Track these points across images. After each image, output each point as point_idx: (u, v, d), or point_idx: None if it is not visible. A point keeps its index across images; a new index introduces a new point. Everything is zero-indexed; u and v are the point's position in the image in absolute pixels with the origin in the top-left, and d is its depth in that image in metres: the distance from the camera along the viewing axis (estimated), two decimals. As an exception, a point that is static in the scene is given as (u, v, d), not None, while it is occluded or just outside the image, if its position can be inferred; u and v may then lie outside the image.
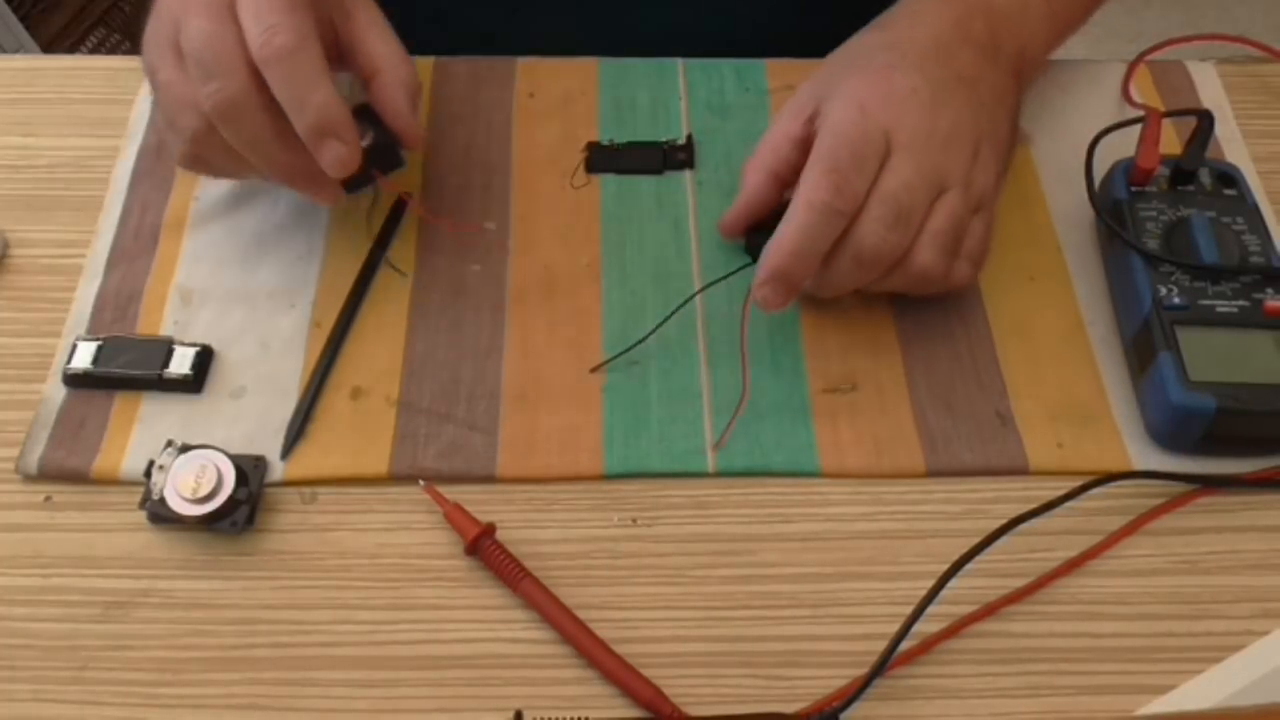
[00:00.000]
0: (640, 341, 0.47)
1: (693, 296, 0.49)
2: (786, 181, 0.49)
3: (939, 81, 0.46)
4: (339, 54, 0.47)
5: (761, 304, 0.45)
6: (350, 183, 0.46)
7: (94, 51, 1.38)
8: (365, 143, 0.45)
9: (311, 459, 0.45)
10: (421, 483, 0.44)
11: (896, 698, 0.40)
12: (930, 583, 0.41)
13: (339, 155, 0.43)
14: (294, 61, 0.42)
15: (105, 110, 0.56)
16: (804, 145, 0.47)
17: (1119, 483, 0.44)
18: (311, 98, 0.42)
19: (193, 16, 0.42)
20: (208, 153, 0.45)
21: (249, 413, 0.46)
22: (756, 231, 0.49)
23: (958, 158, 0.45)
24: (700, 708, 0.40)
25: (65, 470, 0.44)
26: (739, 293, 0.48)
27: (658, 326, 0.48)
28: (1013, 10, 0.51)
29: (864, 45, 0.50)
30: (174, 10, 0.44)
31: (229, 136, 0.43)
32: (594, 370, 0.47)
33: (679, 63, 0.58)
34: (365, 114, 0.47)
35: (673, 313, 0.48)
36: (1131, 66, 0.58)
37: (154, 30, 0.45)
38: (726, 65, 0.58)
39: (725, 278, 0.48)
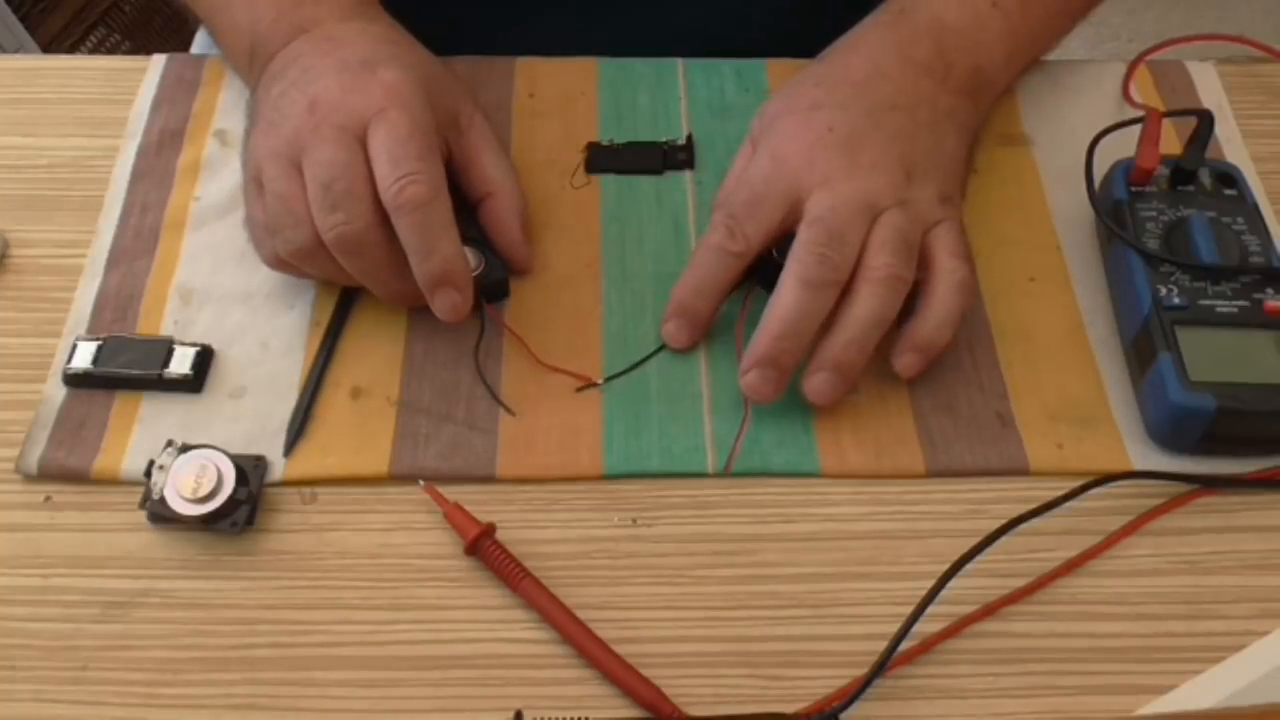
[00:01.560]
0: (638, 365, 0.47)
1: None
2: None
3: (863, 113, 0.47)
4: (451, 168, 0.49)
5: (669, 341, 0.47)
6: None
7: (94, 51, 1.37)
8: (476, 272, 0.47)
9: (311, 459, 0.45)
10: (421, 483, 0.44)
11: (896, 698, 0.40)
12: (930, 583, 0.41)
13: (454, 303, 0.45)
14: (426, 212, 0.43)
15: (105, 110, 0.56)
16: None
17: (1119, 483, 0.44)
18: (437, 250, 0.44)
19: (323, 143, 0.43)
20: (304, 264, 0.46)
21: (249, 412, 0.46)
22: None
23: (884, 182, 0.45)
24: (700, 708, 0.40)
25: (65, 470, 0.44)
26: (737, 293, 0.48)
27: (657, 350, 0.48)
28: (966, 28, 0.51)
29: (802, 78, 0.50)
30: (298, 129, 0.44)
31: (344, 264, 0.44)
32: (580, 390, 0.47)
33: (679, 63, 0.58)
34: (473, 243, 0.48)
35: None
36: (1131, 66, 0.58)
37: (266, 141, 0.45)
38: (727, 65, 0.58)
39: None
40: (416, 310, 0.48)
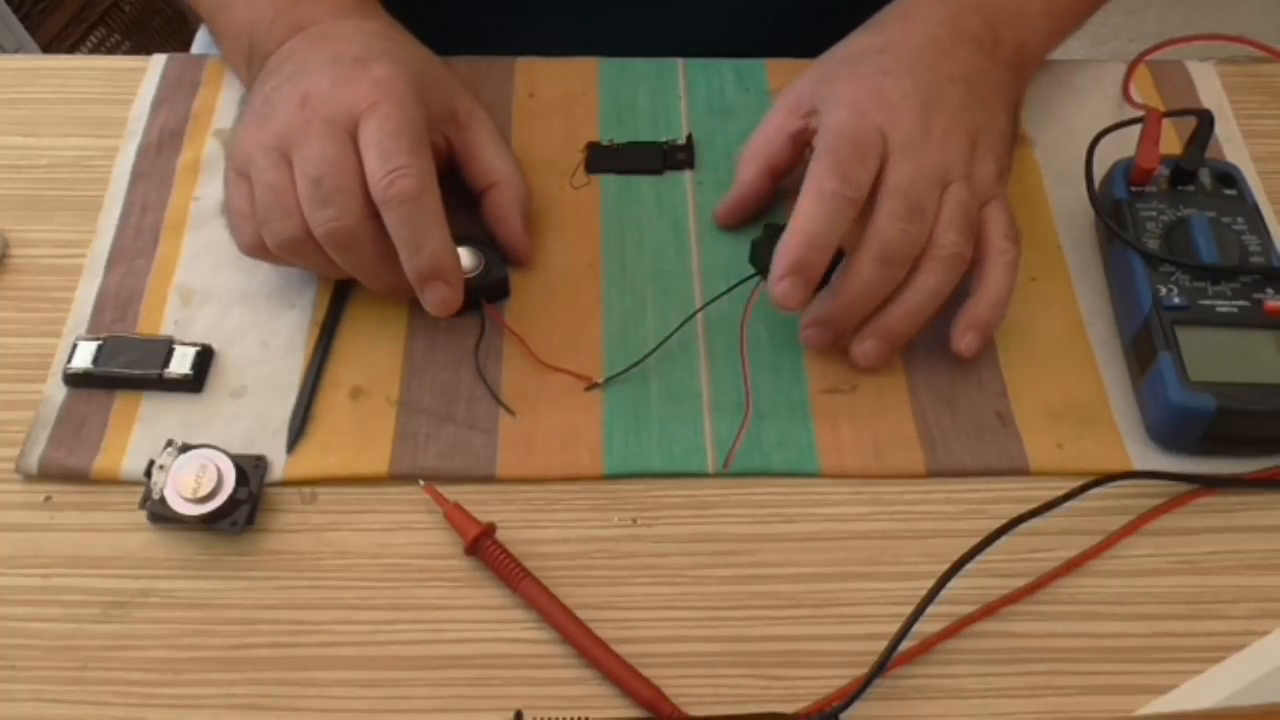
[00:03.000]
0: (638, 364, 0.47)
1: (693, 316, 0.49)
2: (779, 174, 0.50)
3: (930, 83, 0.47)
4: (452, 162, 0.49)
5: (781, 300, 0.44)
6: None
7: (94, 51, 1.38)
8: (475, 272, 0.48)
9: (312, 459, 0.45)
10: (421, 483, 0.44)
11: (896, 698, 0.40)
12: (930, 583, 0.41)
13: (444, 298, 0.45)
14: (415, 206, 0.43)
15: (105, 110, 0.56)
16: (799, 140, 0.49)
17: (1119, 483, 0.44)
18: (427, 243, 0.44)
19: (313, 138, 0.43)
20: (291, 256, 0.46)
21: (249, 412, 0.46)
22: (760, 242, 0.49)
23: (955, 154, 0.46)
24: (700, 708, 0.40)
25: (66, 470, 0.44)
26: (740, 292, 0.48)
27: (657, 346, 0.48)
28: (1011, 2, 0.51)
29: (858, 48, 0.50)
30: (289, 123, 0.44)
31: (335, 258, 0.45)
32: (589, 389, 0.47)
33: (679, 63, 0.58)
34: (473, 243, 0.48)
35: (673, 332, 0.48)
36: (1131, 66, 0.58)
37: (256, 134, 0.45)
38: (726, 65, 0.58)
39: (728, 291, 0.48)
40: (416, 310, 0.48)
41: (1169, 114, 0.53)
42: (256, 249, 0.46)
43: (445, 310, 0.45)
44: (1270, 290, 0.46)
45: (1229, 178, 0.50)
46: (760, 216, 0.51)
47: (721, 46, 0.58)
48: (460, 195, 0.50)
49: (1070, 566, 0.43)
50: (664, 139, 0.55)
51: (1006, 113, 0.49)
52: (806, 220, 0.44)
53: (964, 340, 0.46)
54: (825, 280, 0.46)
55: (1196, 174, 0.50)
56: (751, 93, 0.57)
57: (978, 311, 0.46)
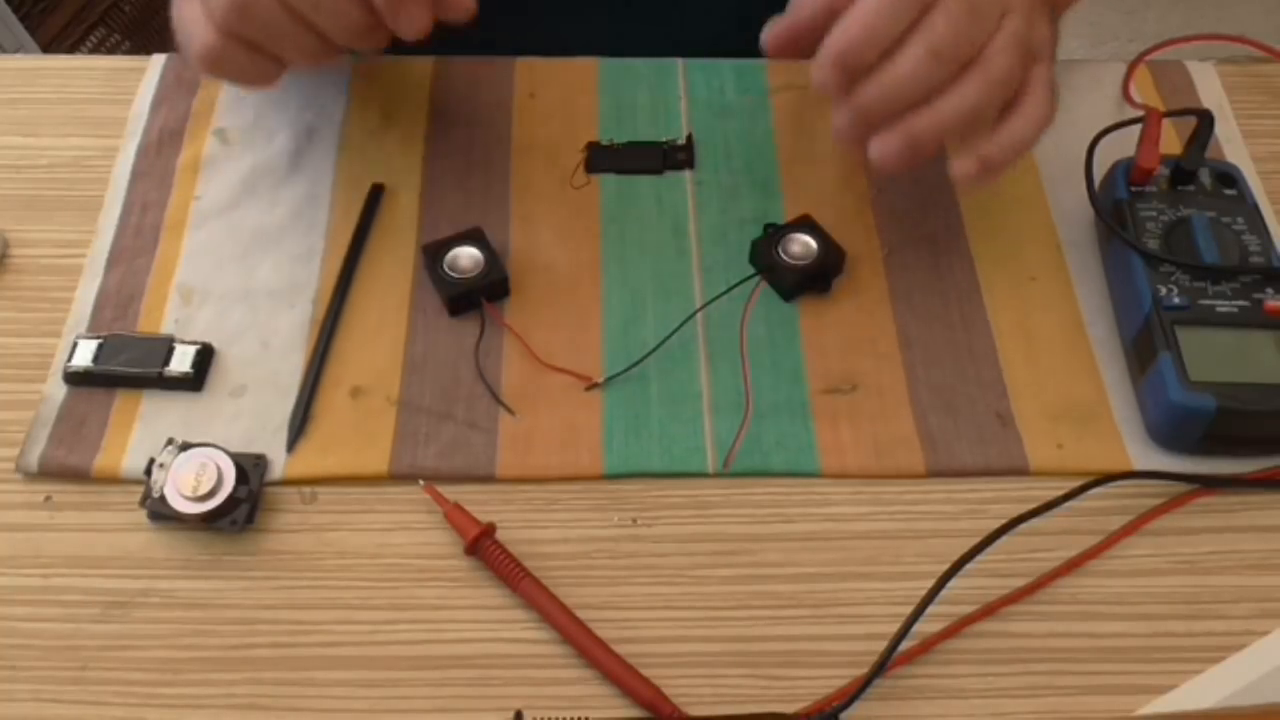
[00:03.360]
0: (638, 364, 0.47)
1: (693, 316, 0.49)
2: (838, 9, 0.44)
3: None
4: None
5: (819, 86, 0.42)
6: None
7: (94, 51, 1.38)
8: (475, 272, 0.48)
9: (312, 458, 0.45)
10: (421, 482, 0.44)
11: (896, 698, 0.40)
12: (930, 583, 0.41)
13: (413, 14, 0.42)
14: None
15: (105, 110, 0.56)
16: None
17: (1119, 483, 0.44)
18: None
19: None
20: (243, 23, 0.42)
21: (249, 411, 0.46)
22: (760, 241, 0.50)
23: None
24: (700, 708, 0.40)
25: (66, 468, 0.44)
26: (740, 292, 0.48)
27: (657, 346, 0.48)
28: None
29: None
30: None
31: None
32: (589, 389, 0.47)
33: (679, 63, 0.58)
34: (473, 243, 0.49)
35: (673, 332, 0.48)
36: (1131, 66, 0.58)
37: None
38: (726, 65, 0.58)
39: (728, 291, 0.48)
40: (417, 310, 0.49)
41: (1169, 114, 0.53)
42: (210, 51, 0.43)
43: (418, 31, 0.42)
44: (1270, 290, 0.46)
45: (1229, 178, 0.50)
46: (812, 50, 0.45)
47: (721, 46, 0.58)
48: (460, 194, 0.50)
49: (1070, 566, 0.43)
50: (664, 139, 0.55)
51: (1047, 25, 0.46)
52: (862, 16, 0.41)
53: (996, 148, 0.43)
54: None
55: (1196, 174, 0.50)
56: (751, 93, 0.57)
57: (1017, 128, 0.43)
